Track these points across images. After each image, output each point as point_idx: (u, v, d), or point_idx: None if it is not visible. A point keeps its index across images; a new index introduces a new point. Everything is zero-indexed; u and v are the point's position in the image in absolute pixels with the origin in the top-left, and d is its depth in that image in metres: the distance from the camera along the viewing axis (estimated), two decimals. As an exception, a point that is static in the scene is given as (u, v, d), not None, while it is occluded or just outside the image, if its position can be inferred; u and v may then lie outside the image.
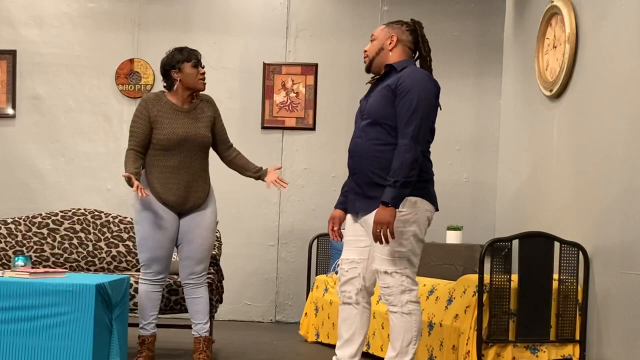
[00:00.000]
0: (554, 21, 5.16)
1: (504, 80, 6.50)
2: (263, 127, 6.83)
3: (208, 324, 4.45)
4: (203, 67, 4.42)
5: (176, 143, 4.30)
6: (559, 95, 5.07)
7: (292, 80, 6.81)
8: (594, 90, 4.60)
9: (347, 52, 6.81)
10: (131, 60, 6.82)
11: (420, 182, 3.62)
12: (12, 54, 6.81)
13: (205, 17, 6.87)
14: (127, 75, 6.83)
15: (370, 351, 5.02)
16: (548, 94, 5.18)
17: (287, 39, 6.87)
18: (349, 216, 3.84)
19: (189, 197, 4.35)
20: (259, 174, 4.51)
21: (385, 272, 3.60)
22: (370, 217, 3.64)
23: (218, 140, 4.51)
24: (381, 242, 3.52)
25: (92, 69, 6.86)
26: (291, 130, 6.85)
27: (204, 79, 4.40)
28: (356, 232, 3.78)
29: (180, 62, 4.34)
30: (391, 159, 3.57)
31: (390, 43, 3.72)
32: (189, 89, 4.38)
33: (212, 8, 6.88)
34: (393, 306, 3.63)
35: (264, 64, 6.82)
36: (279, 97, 6.81)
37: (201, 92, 4.48)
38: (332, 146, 6.80)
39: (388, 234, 3.49)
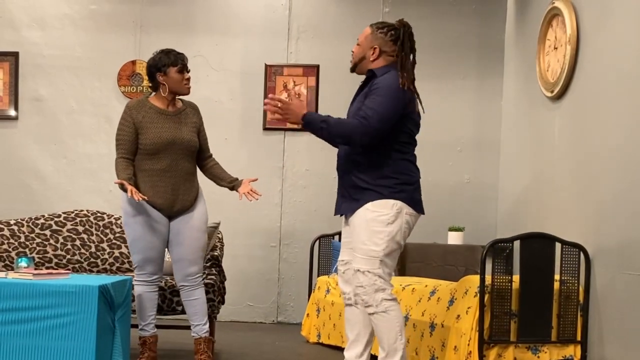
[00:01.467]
0: (555, 22, 5.17)
1: (505, 81, 6.51)
2: (265, 129, 6.84)
3: (207, 325, 4.47)
4: (189, 72, 4.42)
5: (162, 147, 4.32)
6: (560, 96, 5.08)
7: (294, 82, 6.83)
8: (594, 91, 4.61)
9: (348, 53, 6.72)
10: (133, 62, 6.84)
11: (399, 184, 3.70)
12: (15, 55, 6.82)
13: (207, 19, 6.89)
14: (129, 76, 6.84)
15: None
16: (549, 95, 5.19)
17: (289, 40, 6.88)
18: (342, 219, 3.93)
19: (177, 200, 4.37)
20: (233, 184, 4.51)
21: (359, 271, 3.69)
22: (354, 218, 3.76)
23: (200, 148, 4.51)
24: (271, 114, 3.76)
25: (94, 70, 6.88)
26: (293, 131, 6.86)
27: (188, 83, 4.40)
28: (348, 234, 3.86)
29: (166, 65, 4.35)
30: (372, 163, 3.71)
31: (373, 54, 3.83)
32: (173, 93, 4.40)
33: (214, 10, 6.90)
34: (369, 307, 3.70)
35: (266, 66, 6.83)
36: (280, 99, 6.82)
37: (186, 99, 4.52)
38: (334, 147, 6.79)
39: (278, 110, 3.70)
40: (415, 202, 3.74)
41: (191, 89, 4.45)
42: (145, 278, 4.41)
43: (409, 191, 3.71)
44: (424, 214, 3.82)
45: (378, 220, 3.66)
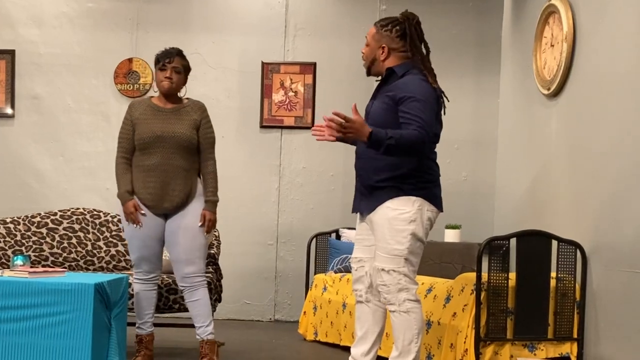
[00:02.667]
0: (551, 20, 5.17)
1: (502, 78, 6.50)
2: (262, 126, 6.84)
3: (211, 326, 4.40)
4: (175, 70, 4.36)
5: (152, 141, 4.31)
6: (556, 93, 5.08)
7: (291, 79, 6.82)
8: (591, 88, 4.61)
9: (345, 51, 6.82)
10: (130, 60, 6.83)
11: (422, 182, 3.68)
12: (11, 53, 6.81)
13: (204, 17, 6.88)
14: (125, 74, 6.84)
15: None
16: (546, 92, 5.19)
17: (286, 38, 6.88)
18: (357, 216, 3.91)
19: (165, 197, 4.32)
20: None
21: (383, 270, 3.65)
22: (374, 216, 3.72)
23: (198, 146, 4.42)
24: (331, 132, 3.56)
25: (91, 68, 6.87)
26: (290, 129, 6.85)
27: (165, 80, 4.35)
28: (363, 232, 3.85)
29: (154, 65, 4.42)
30: (392, 161, 3.66)
31: (382, 53, 3.77)
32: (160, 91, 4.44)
33: (211, 7, 6.89)
34: (391, 305, 3.66)
35: (263, 63, 6.83)
36: (277, 96, 6.82)
37: (193, 98, 4.50)
38: (331, 145, 6.80)
39: (342, 129, 3.49)
40: (435, 199, 3.73)
41: (167, 85, 4.36)
42: (142, 276, 4.41)
43: (429, 188, 3.70)
44: (442, 211, 3.80)
45: (400, 219, 3.63)
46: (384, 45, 3.75)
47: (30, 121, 6.85)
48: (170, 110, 4.39)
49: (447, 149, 6.73)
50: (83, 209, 5.48)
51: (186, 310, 4.78)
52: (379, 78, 3.89)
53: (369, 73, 3.87)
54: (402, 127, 3.58)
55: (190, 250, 4.34)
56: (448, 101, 3.79)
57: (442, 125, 3.79)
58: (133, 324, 4.48)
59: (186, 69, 4.44)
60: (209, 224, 4.35)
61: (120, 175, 4.38)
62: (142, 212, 4.31)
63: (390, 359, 3.73)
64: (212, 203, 4.38)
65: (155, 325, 4.59)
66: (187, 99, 4.48)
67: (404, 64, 3.74)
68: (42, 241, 5.30)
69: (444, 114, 3.78)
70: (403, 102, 3.60)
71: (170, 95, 4.42)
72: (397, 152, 3.57)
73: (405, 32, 3.74)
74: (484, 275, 4.28)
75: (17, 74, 6.83)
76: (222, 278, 5.10)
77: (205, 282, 4.43)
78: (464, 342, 4.25)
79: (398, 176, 3.66)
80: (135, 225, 4.30)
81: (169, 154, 4.32)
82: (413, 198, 3.65)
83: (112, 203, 6.77)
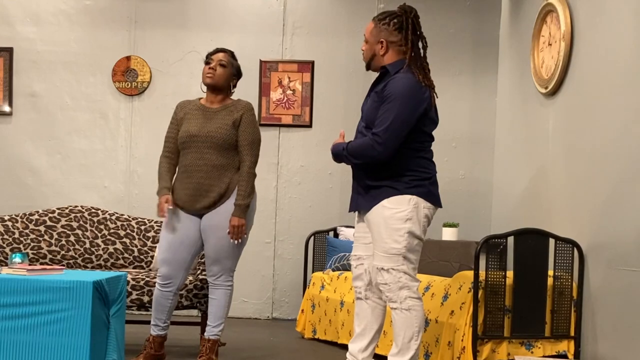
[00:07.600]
0: (549, 19, 5.18)
1: (500, 77, 6.51)
2: (260, 125, 6.83)
3: (218, 328, 4.41)
4: (220, 64, 4.33)
5: (188, 140, 4.30)
6: (554, 92, 5.09)
7: (289, 78, 6.83)
8: (588, 87, 4.62)
9: (343, 49, 6.82)
10: (128, 58, 6.83)
11: (417, 180, 3.68)
12: (9, 51, 6.81)
13: (202, 15, 6.88)
14: (123, 72, 6.83)
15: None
16: (543, 91, 5.20)
17: (284, 36, 6.88)
18: (356, 214, 3.93)
19: (199, 198, 4.28)
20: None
21: (382, 269, 3.66)
22: (370, 215, 3.74)
23: (237, 146, 4.34)
24: None
25: (88, 66, 6.87)
26: (288, 127, 6.86)
27: (209, 72, 4.33)
28: (362, 230, 3.87)
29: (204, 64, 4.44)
30: (386, 161, 3.68)
31: (382, 48, 3.76)
32: (206, 86, 4.40)
33: (209, 5, 6.89)
34: (393, 302, 3.68)
35: (261, 61, 6.83)
36: (275, 95, 6.83)
37: (242, 99, 4.45)
38: (329, 143, 6.79)
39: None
40: (432, 196, 3.73)
41: (209, 77, 4.34)
42: (159, 280, 4.37)
43: (425, 185, 3.70)
44: (441, 207, 3.81)
45: (396, 217, 3.64)
46: (382, 39, 3.75)
47: (28, 119, 6.85)
48: (216, 110, 4.35)
49: (444, 148, 6.75)
50: (81, 206, 5.48)
51: (183, 308, 4.79)
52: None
53: (368, 68, 3.88)
54: (376, 122, 3.66)
55: (216, 249, 4.33)
56: (437, 97, 3.76)
57: (437, 123, 3.79)
58: (133, 322, 4.48)
59: (234, 67, 4.39)
60: (234, 230, 4.25)
61: (161, 173, 4.37)
62: (170, 207, 4.26)
63: (389, 355, 3.74)
64: (239, 208, 4.25)
65: (164, 329, 4.55)
66: (237, 99, 4.42)
67: (398, 61, 3.74)
68: (40, 239, 5.30)
69: (435, 111, 3.76)
70: (386, 99, 3.64)
71: (216, 91, 4.37)
72: (351, 162, 3.77)
73: (403, 24, 3.74)
74: (482, 274, 4.29)
75: (15, 72, 6.83)
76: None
77: (228, 285, 4.44)
78: (462, 340, 4.26)
79: (393, 175, 3.68)
80: (162, 214, 4.25)
81: (202, 153, 4.28)
82: (408, 196, 3.66)
83: (109, 201, 6.78)
